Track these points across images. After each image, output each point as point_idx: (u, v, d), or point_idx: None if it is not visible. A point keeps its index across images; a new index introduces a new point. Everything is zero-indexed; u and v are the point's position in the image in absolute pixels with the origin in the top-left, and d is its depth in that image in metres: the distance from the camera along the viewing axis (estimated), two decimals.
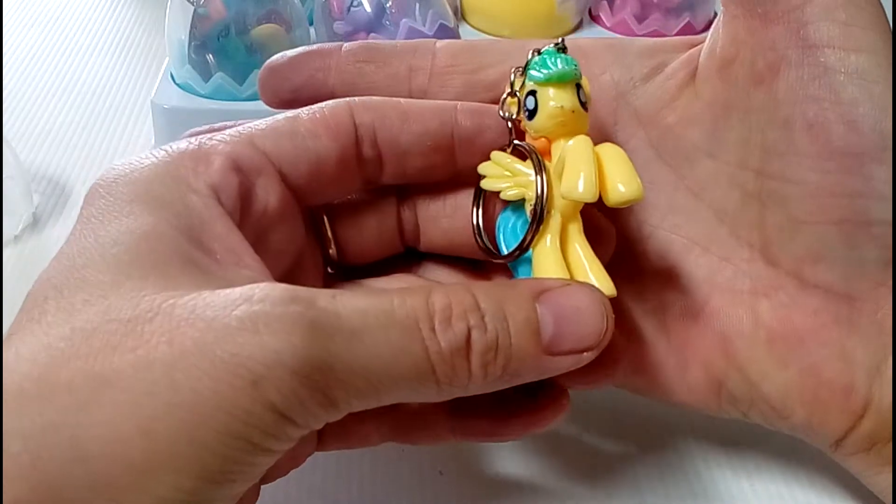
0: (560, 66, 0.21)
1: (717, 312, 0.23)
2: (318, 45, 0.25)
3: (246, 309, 0.16)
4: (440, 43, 0.25)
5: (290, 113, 0.21)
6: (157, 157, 0.19)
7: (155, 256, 0.17)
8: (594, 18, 0.47)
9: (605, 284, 0.20)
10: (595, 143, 0.21)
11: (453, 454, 0.26)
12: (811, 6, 0.20)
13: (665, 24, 0.44)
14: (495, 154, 0.22)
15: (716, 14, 0.46)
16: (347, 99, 0.22)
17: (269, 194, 0.20)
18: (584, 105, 0.21)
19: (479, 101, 0.23)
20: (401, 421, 0.21)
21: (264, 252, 0.20)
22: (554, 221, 0.21)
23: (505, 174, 0.22)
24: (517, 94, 0.22)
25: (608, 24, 0.46)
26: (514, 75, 0.22)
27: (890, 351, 0.21)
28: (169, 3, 0.39)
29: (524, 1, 0.44)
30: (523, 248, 0.21)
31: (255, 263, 0.19)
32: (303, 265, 0.23)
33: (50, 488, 0.15)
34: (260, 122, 0.21)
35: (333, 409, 0.17)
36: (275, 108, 0.25)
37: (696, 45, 0.24)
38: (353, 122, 0.21)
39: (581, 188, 0.19)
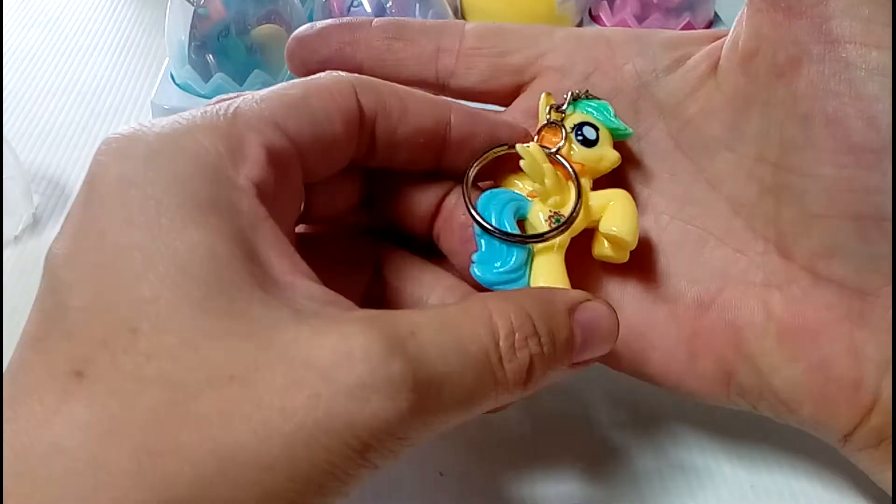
0: (626, 127, 0.24)
1: (729, 303, 0.23)
2: (348, 17, 0.24)
3: (350, 374, 0.15)
4: (469, 24, 0.25)
5: (298, 84, 0.20)
6: (186, 142, 0.17)
7: (222, 282, 0.16)
8: (594, 18, 0.47)
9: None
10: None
11: (454, 455, 0.26)
12: (835, 2, 0.20)
13: (665, 24, 0.44)
14: (536, 147, 0.23)
15: (716, 14, 0.46)
16: (349, 76, 0.21)
17: (295, 185, 0.20)
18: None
19: (503, 85, 0.24)
20: None
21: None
22: (565, 237, 0.22)
23: (542, 168, 0.22)
24: (564, 112, 0.24)
25: (608, 24, 0.46)
26: (568, 100, 0.24)
27: None
28: (169, 4, 0.39)
29: (524, 1, 0.44)
30: (537, 238, 0.22)
31: (304, 266, 0.18)
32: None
33: None
34: (273, 95, 0.20)
35: (416, 442, 0.17)
36: (304, 76, 0.24)
37: (720, 38, 0.24)
38: (358, 107, 0.21)
39: (631, 233, 0.22)
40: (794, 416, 0.23)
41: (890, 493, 0.22)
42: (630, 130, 0.24)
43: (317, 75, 0.21)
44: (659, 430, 0.27)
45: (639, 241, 0.24)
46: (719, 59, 0.23)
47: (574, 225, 0.22)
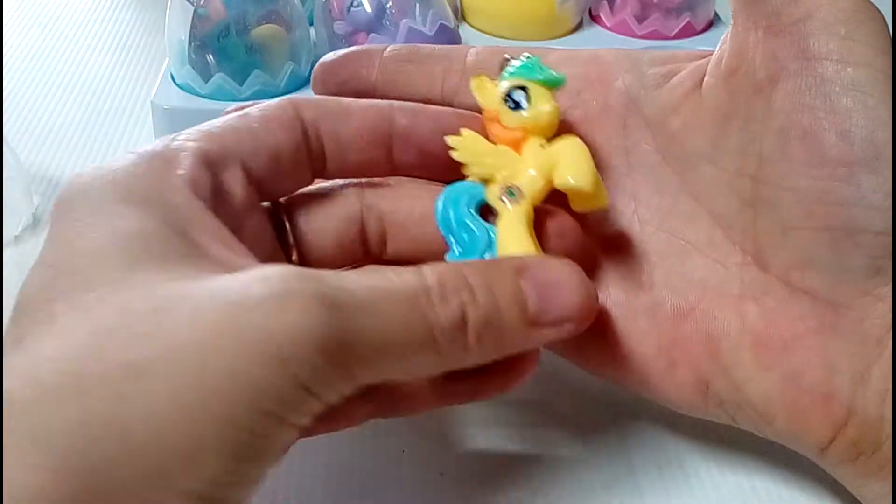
0: (549, 72, 0.23)
1: (706, 314, 0.23)
2: (367, 45, 0.27)
3: (265, 287, 0.16)
4: (473, 48, 0.27)
5: (239, 112, 0.23)
6: (128, 161, 0.20)
7: (153, 252, 0.18)
8: (594, 19, 0.47)
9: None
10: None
11: (454, 455, 0.26)
12: (812, 20, 0.21)
13: (665, 24, 0.44)
14: (467, 131, 0.24)
15: (716, 14, 0.46)
16: (290, 97, 0.23)
17: (236, 187, 0.21)
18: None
19: None
20: (383, 395, 0.22)
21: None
22: (525, 206, 0.23)
23: (479, 152, 0.23)
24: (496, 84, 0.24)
25: (608, 25, 0.46)
26: (502, 67, 0.24)
27: (874, 359, 0.21)
28: (169, 4, 0.39)
29: (524, 1, 0.44)
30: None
31: (246, 251, 0.19)
32: None
33: (103, 482, 0.15)
34: (216, 120, 0.22)
35: (351, 381, 0.17)
36: (324, 94, 0.27)
37: (707, 57, 0.24)
38: (299, 117, 0.23)
39: (582, 180, 0.22)
40: (770, 428, 0.23)
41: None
42: (561, 75, 0.24)
43: (264, 103, 0.23)
44: (659, 431, 0.27)
45: (623, 250, 0.24)
46: (704, 76, 0.24)
47: (528, 190, 0.23)
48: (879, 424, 0.21)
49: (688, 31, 0.44)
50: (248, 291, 0.16)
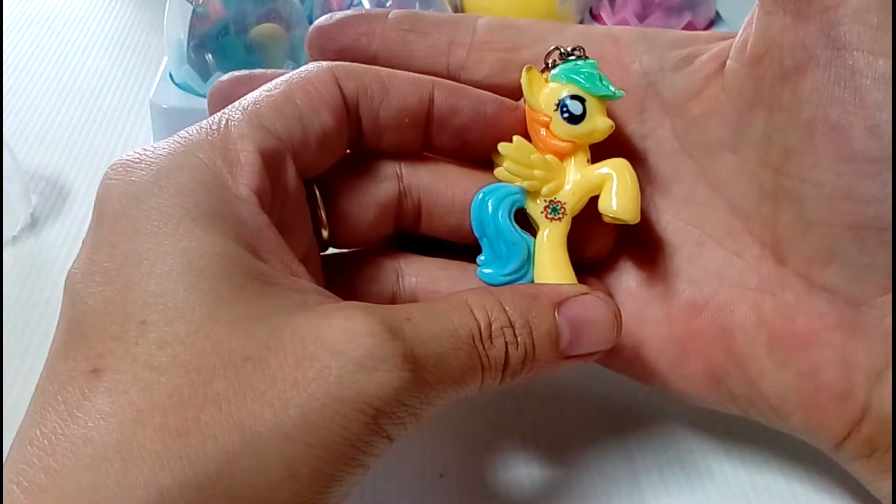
0: (614, 88, 0.23)
1: (722, 306, 0.23)
2: (367, 9, 0.26)
3: (358, 348, 0.17)
4: (482, 19, 0.26)
5: (280, 84, 0.21)
6: (186, 160, 0.19)
7: (231, 277, 0.17)
8: (595, 17, 0.47)
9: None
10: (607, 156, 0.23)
11: (454, 456, 0.26)
12: (844, 7, 0.20)
13: (666, 23, 0.44)
14: (519, 140, 0.23)
15: (717, 13, 0.46)
16: (329, 65, 0.22)
17: (288, 185, 0.21)
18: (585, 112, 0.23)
19: (512, 80, 0.24)
20: None
21: (288, 241, 0.20)
22: (566, 223, 0.22)
23: (529, 164, 0.22)
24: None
25: (609, 24, 0.45)
26: (550, 62, 0.23)
27: (891, 358, 0.21)
28: (168, 3, 0.39)
29: (525, 0, 0.44)
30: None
31: (301, 269, 0.20)
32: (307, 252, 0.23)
33: None
34: (259, 99, 0.21)
35: (418, 419, 0.18)
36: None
37: (728, 39, 0.24)
38: (341, 93, 0.22)
39: (632, 210, 0.22)
40: (785, 423, 0.22)
41: (886, 502, 0.22)
42: (620, 93, 0.23)
43: (298, 70, 0.22)
44: (659, 430, 0.27)
45: (639, 239, 0.23)
46: (726, 60, 0.23)
47: (570, 208, 0.22)
48: (892, 425, 0.21)
49: (689, 30, 0.44)
50: (341, 348, 0.17)
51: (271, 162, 0.20)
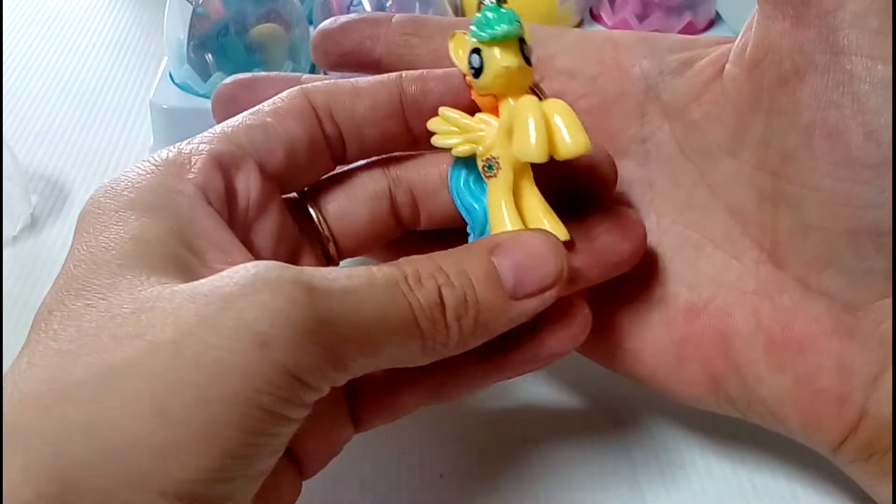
0: (503, 25, 0.21)
1: (720, 311, 0.23)
2: (371, 13, 0.26)
3: (242, 278, 0.16)
4: None
5: (252, 109, 0.22)
6: (142, 168, 0.20)
7: (147, 257, 0.18)
8: (595, 17, 0.47)
9: (558, 230, 0.21)
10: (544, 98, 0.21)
11: (454, 457, 0.26)
12: (843, 12, 0.20)
13: (667, 23, 0.44)
14: (443, 110, 0.22)
15: (717, 13, 0.46)
16: (300, 86, 0.23)
17: (249, 186, 0.21)
18: (527, 60, 0.21)
19: None
20: (435, 380, 0.22)
21: (255, 246, 0.21)
22: (504, 175, 0.21)
23: (453, 130, 0.22)
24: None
25: (609, 24, 0.45)
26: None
27: (889, 363, 0.21)
28: (168, 3, 0.39)
29: (525, 0, 0.44)
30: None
31: (248, 258, 0.19)
32: (303, 263, 0.23)
33: (74, 480, 0.15)
34: (231, 120, 0.22)
35: (340, 366, 0.17)
36: (325, 68, 0.27)
37: (728, 44, 0.23)
38: (311, 105, 0.22)
39: (532, 149, 0.20)
40: (783, 426, 0.23)
41: None
42: (515, 21, 0.21)
43: (275, 97, 0.23)
44: (659, 430, 0.27)
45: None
46: (726, 64, 0.23)
47: (503, 159, 0.21)
48: (892, 427, 0.21)
49: (689, 31, 0.44)
50: (225, 284, 0.16)
51: (227, 164, 0.21)
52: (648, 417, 0.27)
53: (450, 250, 0.20)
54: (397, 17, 0.26)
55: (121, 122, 0.42)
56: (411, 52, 0.25)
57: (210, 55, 0.38)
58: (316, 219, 0.23)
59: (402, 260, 0.19)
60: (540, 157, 0.20)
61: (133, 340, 0.16)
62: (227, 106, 0.26)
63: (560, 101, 0.20)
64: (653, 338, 0.24)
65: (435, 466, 0.25)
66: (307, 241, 0.23)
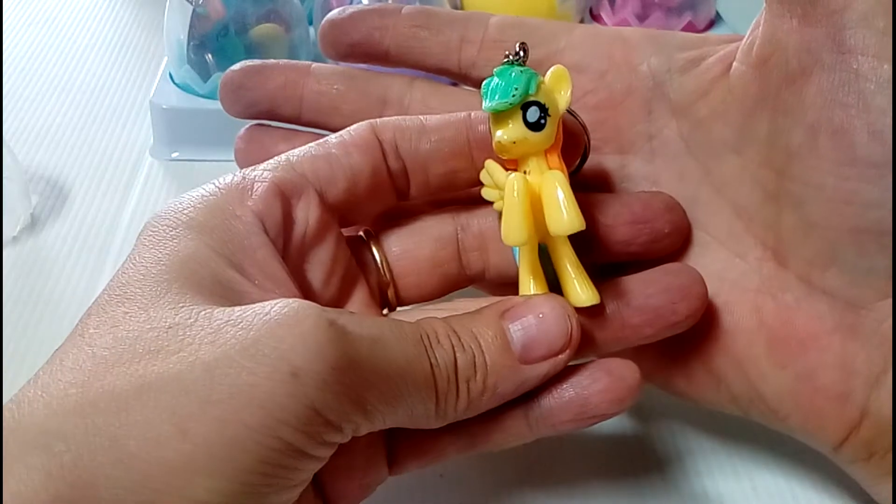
0: (496, 97, 0.21)
1: (722, 308, 0.23)
2: (380, 3, 0.26)
3: (284, 307, 0.17)
4: (494, 17, 0.26)
5: (321, 140, 0.22)
6: (205, 190, 0.20)
7: (195, 276, 0.18)
8: (595, 18, 0.47)
9: (588, 292, 0.21)
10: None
11: (454, 457, 0.26)
12: (850, 12, 0.20)
13: (667, 23, 0.44)
14: (488, 163, 0.22)
15: (717, 13, 0.46)
16: (370, 120, 0.23)
17: (308, 215, 0.21)
18: (540, 122, 0.21)
19: None
20: (476, 429, 0.21)
21: (308, 274, 0.21)
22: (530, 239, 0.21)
23: (496, 180, 0.22)
24: None
25: (609, 24, 0.45)
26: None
27: (891, 361, 0.21)
28: (168, 3, 0.39)
29: (525, 0, 0.44)
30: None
31: (291, 292, 0.20)
32: (356, 297, 0.23)
33: (88, 486, 0.15)
34: (296, 150, 0.22)
35: (362, 411, 0.17)
36: (332, 59, 0.27)
37: (736, 42, 0.24)
38: (377, 138, 0.22)
39: (567, 223, 0.20)
40: (784, 424, 0.23)
41: None
42: (510, 92, 0.20)
43: (343, 130, 0.23)
44: (660, 431, 0.27)
45: None
46: (733, 62, 0.23)
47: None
48: (892, 427, 0.21)
49: (689, 31, 0.44)
50: (266, 313, 0.16)
51: (288, 192, 0.21)
52: (648, 418, 0.27)
53: (463, 314, 0.20)
54: (407, 8, 0.26)
55: (121, 122, 0.42)
56: (420, 45, 0.25)
57: (210, 55, 0.38)
58: (378, 260, 0.23)
59: (420, 320, 0.20)
60: (575, 227, 0.20)
61: (167, 356, 0.16)
62: (235, 93, 0.27)
63: (558, 174, 0.20)
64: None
65: (435, 467, 0.25)
66: (363, 276, 0.23)
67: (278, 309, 0.17)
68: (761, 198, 0.23)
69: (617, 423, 0.27)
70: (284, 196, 0.21)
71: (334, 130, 0.27)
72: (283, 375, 0.16)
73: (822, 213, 0.21)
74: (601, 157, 0.26)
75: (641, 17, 0.44)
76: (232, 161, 0.40)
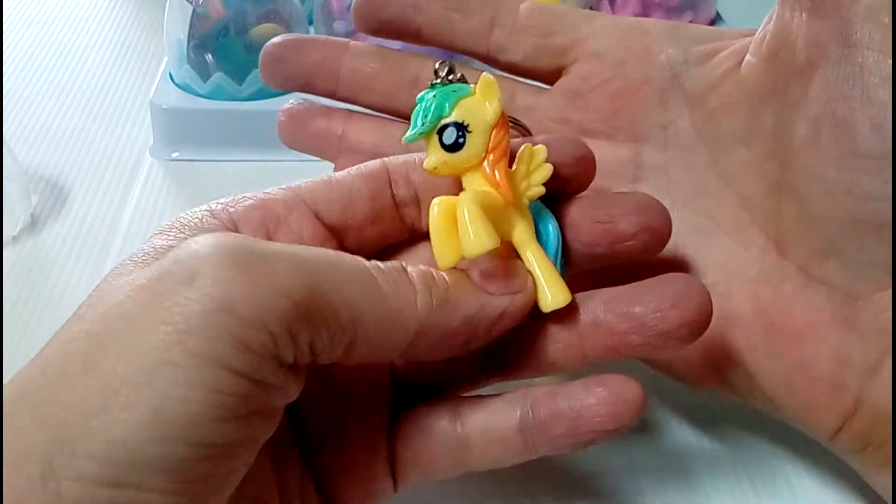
0: (416, 125, 0.20)
1: (723, 296, 0.23)
2: None
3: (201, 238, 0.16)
4: (524, 3, 0.26)
5: (326, 174, 0.22)
6: (197, 209, 0.20)
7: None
8: None
9: (559, 297, 0.20)
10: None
11: (450, 475, 0.26)
12: (857, 6, 0.20)
13: None
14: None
15: (717, 13, 0.46)
16: (384, 158, 0.22)
17: (301, 228, 0.21)
18: (458, 142, 0.20)
19: (545, 64, 0.26)
20: (472, 440, 0.21)
21: None
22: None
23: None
24: None
25: None
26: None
27: (887, 353, 0.21)
28: (168, 3, 0.39)
29: None
30: None
31: None
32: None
33: (21, 450, 0.14)
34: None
35: (291, 309, 0.16)
36: (364, 33, 0.27)
37: (752, 36, 0.24)
38: (385, 167, 0.22)
39: (473, 244, 0.19)
40: (780, 413, 0.23)
41: (883, 495, 0.22)
42: (425, 119, 0.20)
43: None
44: (659, 430, 0.27)
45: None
46: (746, 55, 0.23)
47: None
48: (888, 418, 0.21)
49: None
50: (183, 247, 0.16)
51: (274, 207, 0.20)
52: (649, 418, 0.27)
53: None
54: None
55: (121, 122, 0.42)
56: (451, 27, 0.26)
57: (210, 55, 0.38)
58: None
59: None
60: (490, 245, 0.19)
61: (95, 308, 0.16)
62: (273, 65, 0.27)
63: (468, 194, 0.20)
64: None
65: None
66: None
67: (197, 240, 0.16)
68: (766, 189, 0.23)
69: None
70: (268, 208, 0.20)
71: (368, 107, 0.27)
72: (179, 280, 0.15)
73: (823, 205, 0.21)
74: (615, 146, 0.26)
75: (641, 17, 0.44)
76: (232, 161, 0.40)
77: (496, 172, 0.20)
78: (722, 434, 0.27)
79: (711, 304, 0.20)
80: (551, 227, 0.21)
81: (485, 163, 0.20)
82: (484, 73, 0.21)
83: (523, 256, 0.21)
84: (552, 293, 0.20)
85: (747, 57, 0.23)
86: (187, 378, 0.14)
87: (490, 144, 0.20)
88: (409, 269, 0.19)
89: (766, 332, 0.22)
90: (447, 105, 0.20)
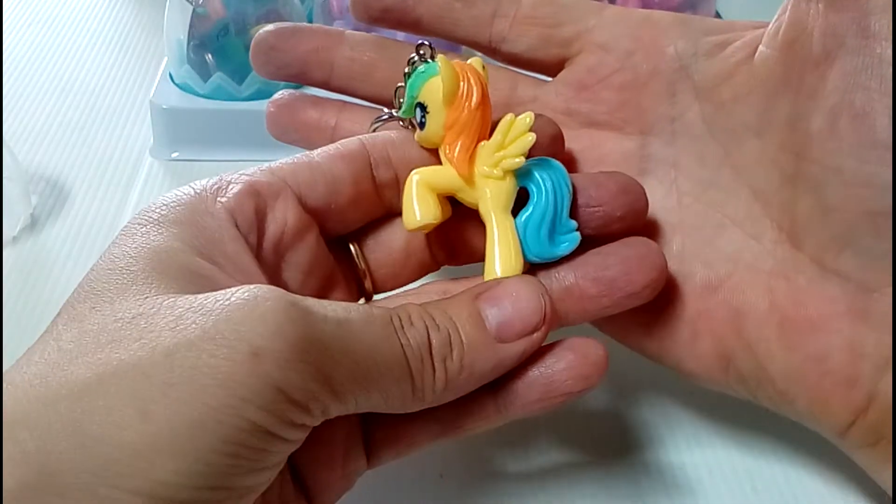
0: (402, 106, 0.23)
1: (735, 288, 0.23)
2: None
3: (246, 292, 0.17)
4: None
5: (308, 152, 0.23)
6: (180, 191, 0.20)
7: (163, 267, 0.18)
8: None
9: (510, 262, 0.21)
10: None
11: (454, 457, 0.26)
12: None
13: None
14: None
15: (717, 13, 0.46)
16: (361, 135, 0.23)
17: (286, 214, 0.21)
18: (422, 121, 0.22)
19: (550, 56, 0.26)
20: (448, 415, 0.21)
21: (284, 274, 0.21)
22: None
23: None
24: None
25: None
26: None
27: None
28: (168, 3, 0.39)
29: None
30: None
31: (261, 280, 0.20)
32: (334, 297, 0.23)
33: (53, 473, 0.15)
34: (280, 160, 0.22)
35: (330, 391, 0.17)
36: (364, 22, 0.27)
37: (763, 28, 0.24)
38: (365, 149, 0.22)
39: (410, 220, 0.21)
40: (791, 407, 0.23)
41: (889, 491, 0.22)
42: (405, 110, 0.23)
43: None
44: (660, 428, 0.27)
45: (657, 221, 0.24)
46: (759, 46, 0.23)
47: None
48: (892, 413, 0.21)
49: None
50: (227, 298, 0.17)
51: (264, 192, 0.21)
52: (649, 417, 0.27)
53: (438, 300, 0.21)
54: None
55: (121, 122, 0.42)
56: (452, 17, 0.26)
57: (210, 55, 0.38)
58: (354, 252, 0.23)
59: (395, 306, 0.20)
60: (429, 220, 0.21)
61: (129, 343, 0.16)
62: (266, 54, 0.27)
63: (416, 172, 0.22)
64: (667, 313, 0.24)
65: (435, 466, 0.25)
66: (342, 279, 0.23)
67: (240, 294, 0.17)
68: (779, 181, 0.23)
69: (617, 423, 0.27)
70: (259, 195, 0.21)
71: (363, 98, 0.27)
72: (244, 356, 0.16)
73: (840, 196, 0.21)
74: (622, 137, 0.26)
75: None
76: (232, 161, 0.40)
77: (447, 148, 0.22)
78: (722, 434, 0.27)
79: (667, 264, 0.22)
80: (550, 184, 0.22)
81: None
82: (440, 55, 0.22)
83: (487, 227, 0.22)
84: (501, 265, 0.21)
85: (760, 48, 0.23)
86: (236, 439, 0.16)
87: (447, 122, 0.22)
88: (432, 339, 0.19)
89: (780, 324, 0.22)
90: (415, 86, 0.22)
